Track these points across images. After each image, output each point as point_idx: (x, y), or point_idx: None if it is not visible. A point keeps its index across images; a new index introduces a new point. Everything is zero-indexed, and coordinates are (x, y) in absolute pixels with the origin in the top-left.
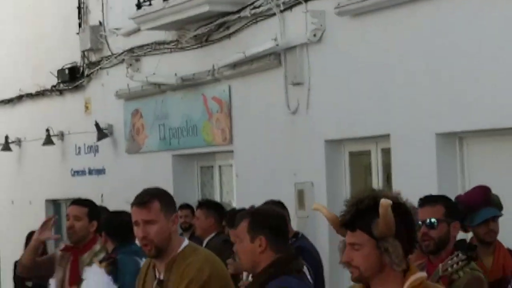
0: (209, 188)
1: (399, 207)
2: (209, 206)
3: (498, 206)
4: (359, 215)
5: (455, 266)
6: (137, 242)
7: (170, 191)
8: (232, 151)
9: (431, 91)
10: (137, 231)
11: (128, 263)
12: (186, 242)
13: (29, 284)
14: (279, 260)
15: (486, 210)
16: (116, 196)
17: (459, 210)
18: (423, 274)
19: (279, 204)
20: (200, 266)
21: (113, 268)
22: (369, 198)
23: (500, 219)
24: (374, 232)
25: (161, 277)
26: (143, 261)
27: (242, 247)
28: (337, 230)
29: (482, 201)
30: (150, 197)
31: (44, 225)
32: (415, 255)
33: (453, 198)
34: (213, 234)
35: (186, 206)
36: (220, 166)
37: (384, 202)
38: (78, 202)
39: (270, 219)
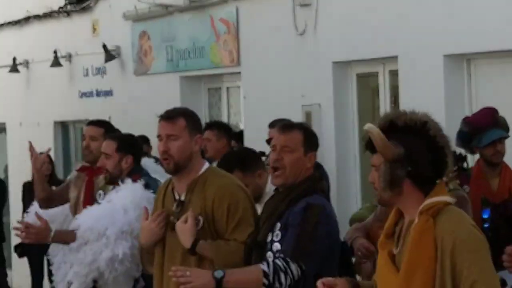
0: (216, 110)
1: (417, 129)
2: (220, 127)
3: (505, 127)
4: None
5: (444, 178)
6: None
7: None
8: (239, 73)
9: (439, 12)
10: (159, 145)
11: (154, 186)
12: (207, 164)
13: None
14: (313, 178)
15: (493, 132)
16: (124, 117)
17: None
18: (440, 198)
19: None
20: (232, 190)
21: (146, 184)
22: (385, 120)
23: (507, 141)
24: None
25: (182, 198)
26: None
27: (293, 158)
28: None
29: (489, 122)
30: (178, 113)
31: (34, 159)
32: None
33: (459, 117)
34: None
35: None
36: (227, 88)
37: (367, 126)
38: (95, 122)
39: (317, 139)
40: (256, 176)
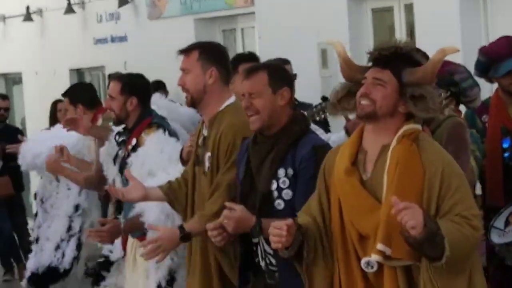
0: (232, 52)
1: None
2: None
3: None
4: (395, 56)
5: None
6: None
7: None
8: (253, 13)
9: None
10: (179, 79)
11: (167, 126)
12: (231, 99)
13: None
14: (301, 117)
15: (510, 61)
16: (139, 63)
17: None
18: (417, 126)
19: (287, 62)
20: (237, 130)
21: (169, 130)
22: (412, 46)
23: None
24: (404, 77)
25: (205, 133)
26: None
27: (262, 101)
28: (348, 72)
29: (506, 52)
30: (193, 47)
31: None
32: None
33: (476, 50)
34: None
35: None
36: (242, 29)
37: (447, 47)
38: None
39: (287, 73)
40: None
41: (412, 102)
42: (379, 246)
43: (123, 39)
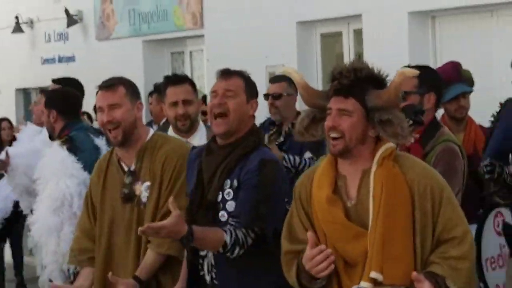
0: None
1: (380, 80)
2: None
3: (469, 81)
4: (356, 82)
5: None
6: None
7: (141, 77)
8: (203, 36)
9: None
10: (102, 116)
11: (84, 140)
12: (152, 131)
13: None
14: (257, 130)
15: (456, 86)
16: (87, 83)
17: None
18: (390, 144)
19: None
20: (183, 152)
21: (70, 145)
22: (368, 69)
23: (473, 95)
24: (369, 102)
25: (132, 168)
26: (99, 140)
27: (237, 102)
28: (308, 99)
29: (453, 77)
30: (116, 82)
31: None
32: None
33: None
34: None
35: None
36: (191, 52)
37: (407, 70)
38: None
39: (256, 87)
40: None
41: (381, 126)
42: (373, 274)
43: (71, 59)
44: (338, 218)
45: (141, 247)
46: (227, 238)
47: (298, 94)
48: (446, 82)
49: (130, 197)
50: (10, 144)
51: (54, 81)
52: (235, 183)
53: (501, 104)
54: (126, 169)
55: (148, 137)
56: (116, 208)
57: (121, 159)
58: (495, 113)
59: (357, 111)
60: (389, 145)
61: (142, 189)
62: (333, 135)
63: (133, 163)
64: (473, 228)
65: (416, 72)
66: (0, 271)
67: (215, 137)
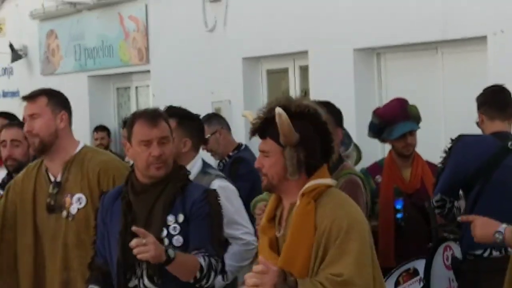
0: (125, 110)
1: (309, 115)
2: None
3: (416, 118)
4: (268, 123)
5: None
6: None
7: (86, 112)
8: (148, 71)
9: (348, 7)
10: (24, 126)
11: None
12: (82, 144)
13: None
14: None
15: (403, 125)
16: None
17: None
18: (321, 181)
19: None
20: (117, 165)
21: None
22: (277, 106)
23: (419, 131)
24: (281, 140)
25: (58, 179)
26: None
27: (169, 146)
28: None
29: (399, 115)
30: (39, 92)
31: None
32: None
33: (371, 112)
34: None
35: (102, 128)
36: (136, 87)
37: (277, 110)
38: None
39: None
40: None
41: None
42: None
43: (15, 94)
44: (263, 248)
45: (68, 257)
46: (201, 260)
47: None
48: (392, 120)
49: (54, 208)
50: None
51: None
52: (181, 217)
53: (451, 139)
54: (52, 179)
55: (77, 150)
56: (41, 216)
57: (48, 169)
58: (447, 149)
59: (274, 150)
60: (318, 181)
61: (73, 201)
62: (262, 175)
63: (59, 174)
64: (422, 262)
65: (280, 110)
66: None
67: (136, 177)
